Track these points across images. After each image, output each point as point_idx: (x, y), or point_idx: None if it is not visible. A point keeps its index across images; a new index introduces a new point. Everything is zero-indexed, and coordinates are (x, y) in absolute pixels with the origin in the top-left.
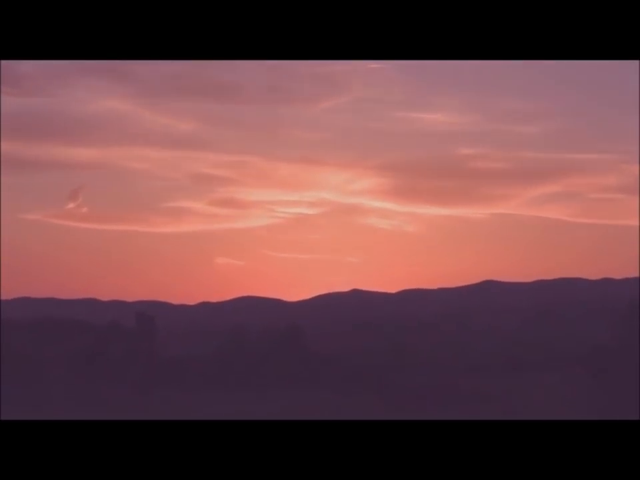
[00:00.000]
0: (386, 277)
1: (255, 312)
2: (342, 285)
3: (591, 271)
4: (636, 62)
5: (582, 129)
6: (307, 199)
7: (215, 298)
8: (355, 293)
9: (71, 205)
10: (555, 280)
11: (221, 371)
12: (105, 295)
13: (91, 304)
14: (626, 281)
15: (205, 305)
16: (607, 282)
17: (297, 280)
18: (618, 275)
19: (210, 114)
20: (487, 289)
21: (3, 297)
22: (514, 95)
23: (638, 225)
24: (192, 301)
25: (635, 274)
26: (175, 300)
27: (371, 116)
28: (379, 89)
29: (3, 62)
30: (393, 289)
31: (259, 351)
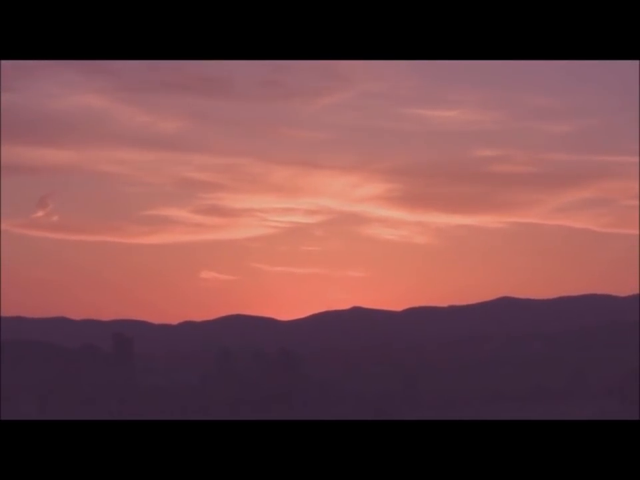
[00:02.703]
0: (391, 294)
1: (244, 332)
2: (342, 302)
3: (621, 287)
4: None
5: (618, 127)
6: (305, 207)
7: (199, 317)
8: (356, 311)
9: (40, 213)
10: (579, 296)
11: (207, 402)
12: (78, 314)
13: (61, 323)
14: None
15: (188, 325)
16: (637, 299)
17: (292, 297)
18: None
19: (196, 111)
20: (504, 307)
21: None
22: (541, 90)
23: None
24: (174, 320)
25: None
26: (156, 319)
27: (378, 113)
28: (386, 83)
29: None
30: (398, 307)
31: (249, 377)
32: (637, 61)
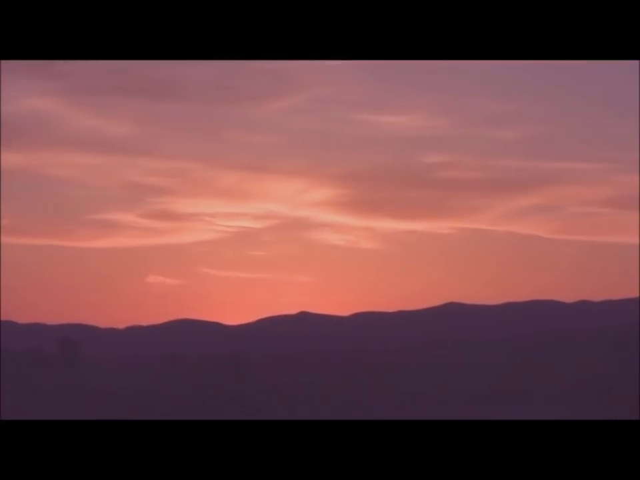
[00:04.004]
0: (338, 299)
1: (191, 337)
2: (289, 307)
3: (568, 293)
4: (635, 63)
5: (567, 134)
6: (253, 211)
7: (147, 321)
8: (304, 316)
9: None
10: (527, 302)
11: (155, 406)
12: (24, 317)
13: (6, 327)
14: (605, 304)
15: (135, 329)
16: (584, 305)
17: (239, 302)
18: (597, 297)
19: (146, 115)
20: (451, 312)
21: None
22: (491, 96)
23: (624, 241)
24: (121, 324)
25: (614, 296)
26: (103, 323)
27: (328, 118)
28: (336, 88)
29: None
30: (345, 312)
31: (197, 382)
32: (584, 66)
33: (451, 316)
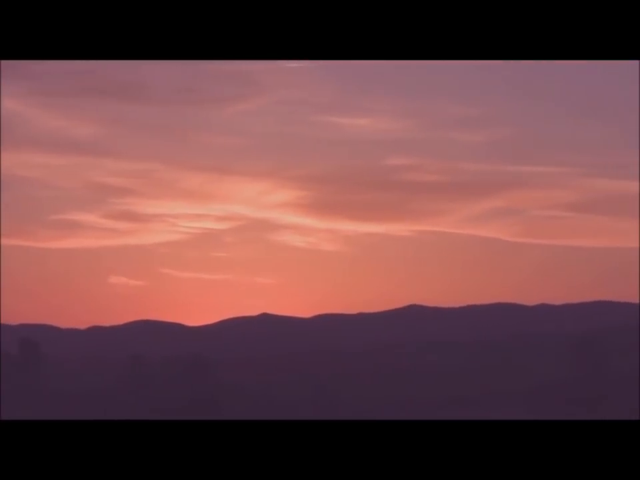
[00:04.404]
0: (300, 301)
1: (153, 338)
2: (251, 308)
3: (529, 296)
4: (602, 64)
5: (531, 138)
6: (215, 213)
7: (108, 322)
8: (265, 317)
9: None
10: (488, 305)
11: (116, 407)
12: None
13: None
14: (566, 307)
15: (97, 330)
16: (544, 308)
17: (201, 303)
18: (558, 300)
19: (110, 116)
20: (413, 315)
21: None
22: (455, 99)
23: (585, 245)
24: (82, 324)
25: (575, 300)
26: (64, 324)
27: (291, 120)
28: (301, 90)
29: None
30: (307, 313)
31: (158, 382)
32: (550, 68)
33: (413, 318)
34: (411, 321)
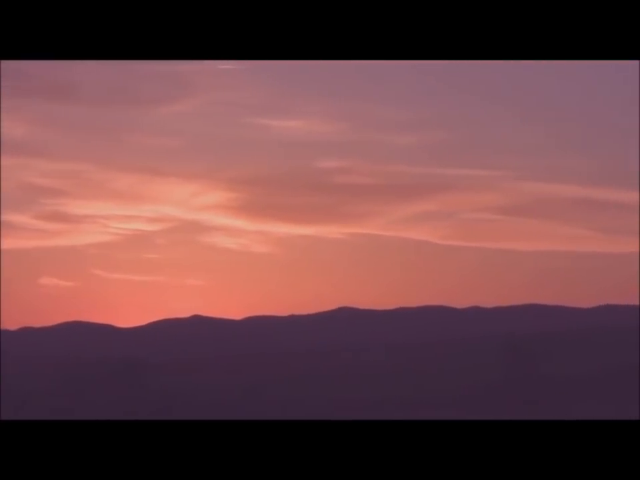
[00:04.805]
0: (231, 303)
1: (84, 339)
2: (182, 310)
3: (460, 299)
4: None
5: (462, 142)
6: (146, 214)
7: (38, 323)
8: (196, 319)
9: None
10: (419, 307)
11: (46, 408)
12: None
13: None
14: (497, 310)
15: (27, 331)
16: (475, 311)
17: (132, 304)
18: (488, 303)
19: (40, 116)
20: (343, 317)
21: None
22: (387, 101)
23: (515, 248)
24: (12, 325)
25: (506, 302)
26: None
27: (223, 122)
28: (232, 91)
29: None
30: (238, 315)
31: (89, 384)
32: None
33: (343, 320)
34: (342, 323)
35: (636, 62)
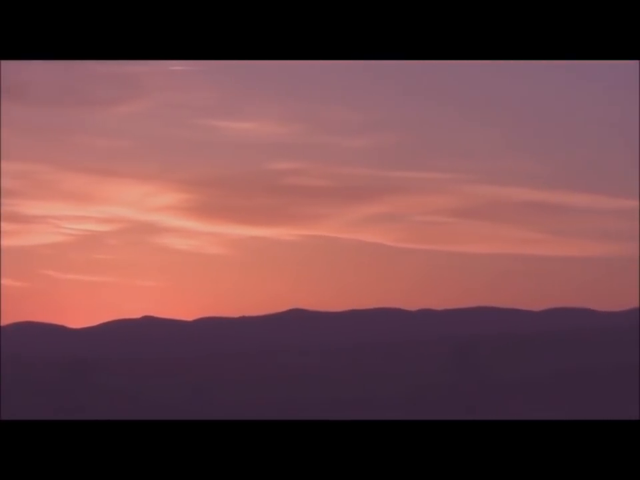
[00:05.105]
0: (183, 304)
1: (35, 340)
2: (133, 311)
3: (412, 301)
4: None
5: (415, 144)
6: (98, 215)
7: None
8: (148, 320)
9: None
10: (370, 310)
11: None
12: None
13: None
14: (448, 313)
15: None
16: (426, 313)
17: (84, 305)
18: (439, 306)
19: None
20: (294, 318)
21: None
22: (340, 104)
23: (467, 251)
24: None
25: (457, 305)
26: None
27: (176, 123)
28: (185, 93)
29: None
30: (189, 316)
31: (39, 384)
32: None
33: (295, 322)
34: (293, 324)
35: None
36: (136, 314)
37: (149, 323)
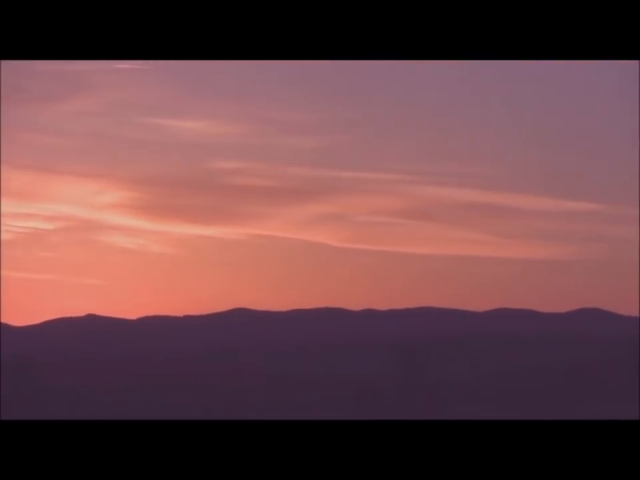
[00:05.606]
0: (126, 302)
1: None
2: (77, 309)
3: (355, 301)
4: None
5: (359, 145)
6: (43, 212)
7: None
8: (91, 318)
9: None
10: (313, 310)
11: None
12: None
13: None
14: (390, 313)
15: None
16: (369, 313)
17: (27, 302)
18: (382, 306)
19: None
20: (237, 318)
21: None
22: (285, 104)
23: (410, 251)
24: None
25: (399, 305)
26: None
27: (121, 122)
28: (130, 91)
29: None
30: (133, 315)
31: None
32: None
33: (238, 321)
34: (236, 323)
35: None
36: (79, 312)
37: (92, 322)
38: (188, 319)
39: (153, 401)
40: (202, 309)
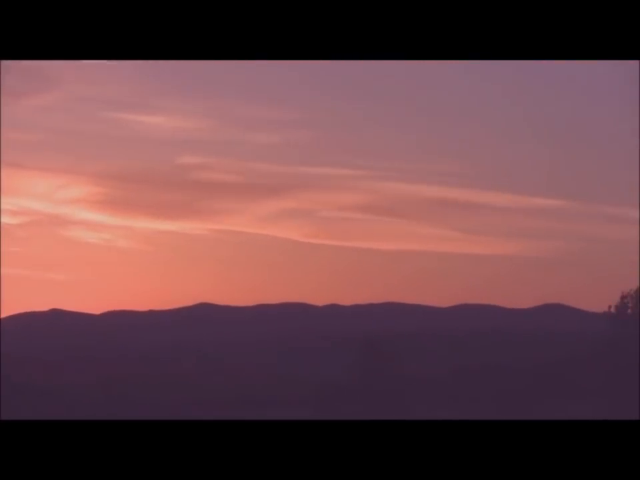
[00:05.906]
0: (90, 297)
1: None
2: (40, 304)
3: (318, 296)
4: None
5: (325, 141)
6: (6, 207)
7: None
8: (55, 313)
9: None
10: (278, 305)
11: None
12: None
13: None
14: (355, 308)
15: None
16: (333, 308)
17: None
18: (347, 301)
19: None
20: (202, 312)
21: None
22: (253, 99)
23: (374, 247)
24: None
25: (364, 300)
26: None
27: (86, 117)
28: (96, 86)
29: None
30: (97, 310)
31: None
32: (351, 69)
33: (202, 316)
34: (200, 318)
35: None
36: (43, 307)
37: (56, 316)
38: (152, 313)
39: (117, 398)
40: (166, 303)
